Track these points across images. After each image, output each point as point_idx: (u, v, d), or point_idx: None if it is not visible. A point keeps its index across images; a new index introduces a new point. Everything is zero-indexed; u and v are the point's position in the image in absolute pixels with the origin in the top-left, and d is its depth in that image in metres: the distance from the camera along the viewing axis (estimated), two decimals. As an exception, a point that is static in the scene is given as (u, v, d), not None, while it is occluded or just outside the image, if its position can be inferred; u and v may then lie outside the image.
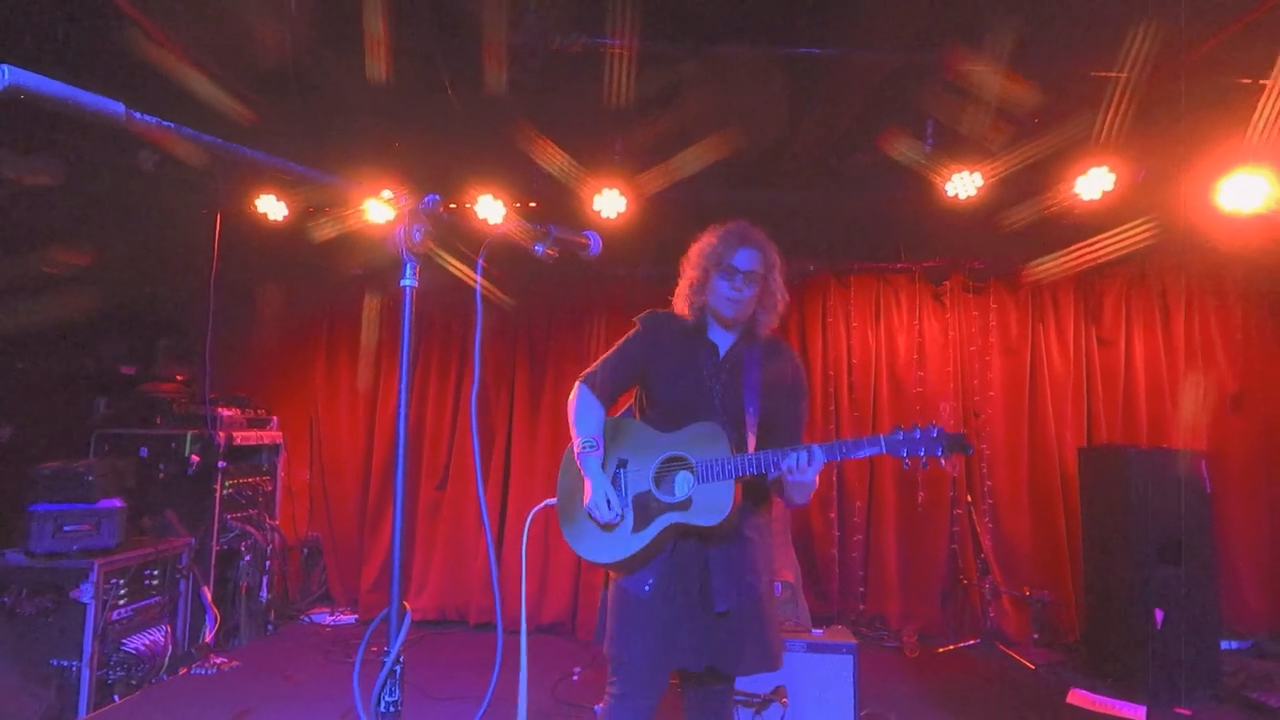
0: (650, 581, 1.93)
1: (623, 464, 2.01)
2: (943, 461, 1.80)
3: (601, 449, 2.01)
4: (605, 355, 2.13)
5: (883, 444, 1.82)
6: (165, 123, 0.79)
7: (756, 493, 2.03)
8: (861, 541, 4.96)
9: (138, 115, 0.77)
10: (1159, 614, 3.74)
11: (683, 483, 1.93)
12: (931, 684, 3.95)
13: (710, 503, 1.87)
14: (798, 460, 1.80)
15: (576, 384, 2.11)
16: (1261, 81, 3.41)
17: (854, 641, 2.99)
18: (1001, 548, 4.86)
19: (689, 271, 2.07)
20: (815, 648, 2.96)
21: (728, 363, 2.05)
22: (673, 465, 1.96)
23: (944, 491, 4.91)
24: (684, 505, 1.90)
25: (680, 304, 2.09)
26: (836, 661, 2.95)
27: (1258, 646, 4.50)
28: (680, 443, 1.96)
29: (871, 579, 4.93)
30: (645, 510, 1.94)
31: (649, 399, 2.10)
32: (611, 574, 2.03)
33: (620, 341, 2.14)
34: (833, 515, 4.97)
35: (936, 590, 4.86)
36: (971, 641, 4.59)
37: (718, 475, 1.87)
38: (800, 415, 2.08)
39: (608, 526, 1.96)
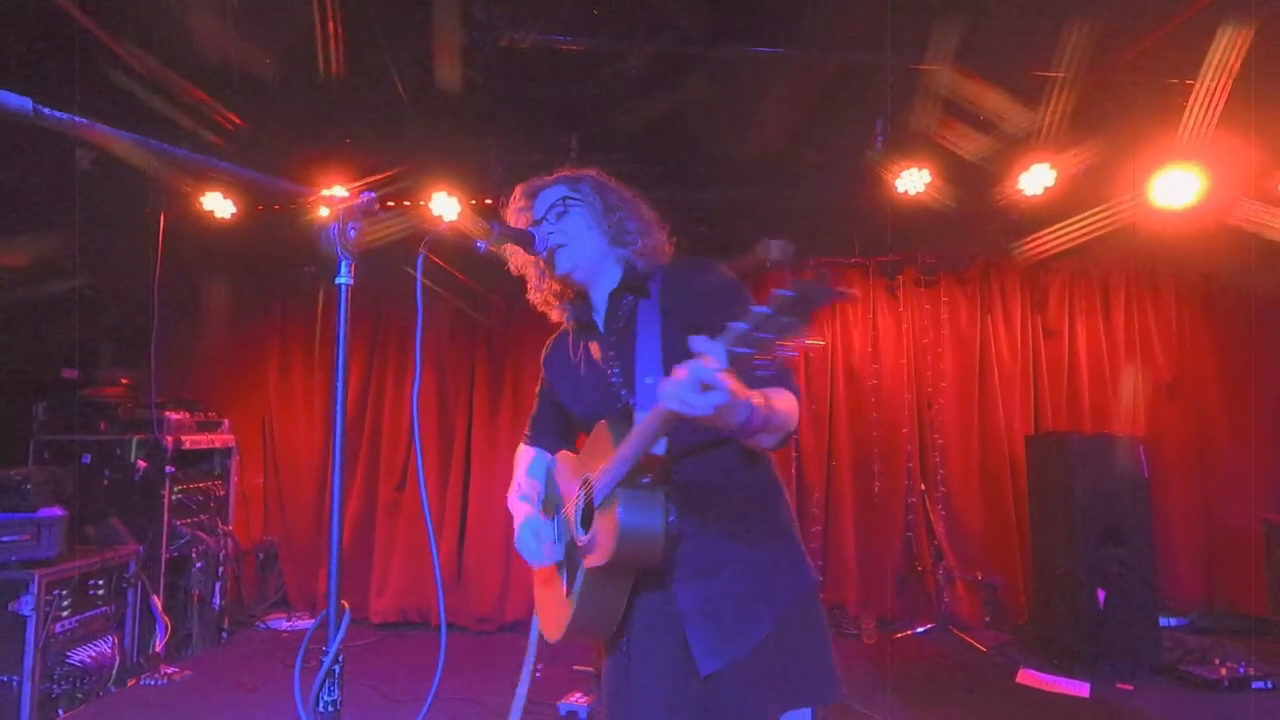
0: (624, 640, 1.47)
1: (560, 508, 1.60)
2: (805, 339, 0.99)
3: (536, 495, 1.71)
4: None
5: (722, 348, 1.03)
6: (77, 118, 0.78)
7: (755, 491, 1.57)
8: (820, 532, 5.05)
9: (46, 111, 0.75)
10: (1101, 594, 3.89)
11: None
12: (888, 668, 4.05)
13: (597, 534, 1.35)
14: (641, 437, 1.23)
15: None
16: (1189, 81, 3.56)
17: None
18: (954, 534, 4.99)
19: (527, 271, 1.68)
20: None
21: (613, 330, 1.55)
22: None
23: (899, 481, 5.03)
24: (590, 544, 1.39)
25: (550, 310, 1.70)
26: (792, 649, 3.00)
27: (1193, 623, 4.72)
28: (584, 462, 1.49)
29: (830, 568, 5.02)
30: (574, 561, 1.47)
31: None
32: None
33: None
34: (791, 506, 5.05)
35: (892, 577, 4.98)
36: (926, 626, 4.71)
37: (598, 494, 1.36)
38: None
39: (555, 588, 1.55)
